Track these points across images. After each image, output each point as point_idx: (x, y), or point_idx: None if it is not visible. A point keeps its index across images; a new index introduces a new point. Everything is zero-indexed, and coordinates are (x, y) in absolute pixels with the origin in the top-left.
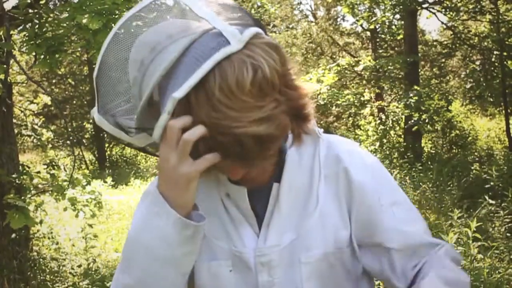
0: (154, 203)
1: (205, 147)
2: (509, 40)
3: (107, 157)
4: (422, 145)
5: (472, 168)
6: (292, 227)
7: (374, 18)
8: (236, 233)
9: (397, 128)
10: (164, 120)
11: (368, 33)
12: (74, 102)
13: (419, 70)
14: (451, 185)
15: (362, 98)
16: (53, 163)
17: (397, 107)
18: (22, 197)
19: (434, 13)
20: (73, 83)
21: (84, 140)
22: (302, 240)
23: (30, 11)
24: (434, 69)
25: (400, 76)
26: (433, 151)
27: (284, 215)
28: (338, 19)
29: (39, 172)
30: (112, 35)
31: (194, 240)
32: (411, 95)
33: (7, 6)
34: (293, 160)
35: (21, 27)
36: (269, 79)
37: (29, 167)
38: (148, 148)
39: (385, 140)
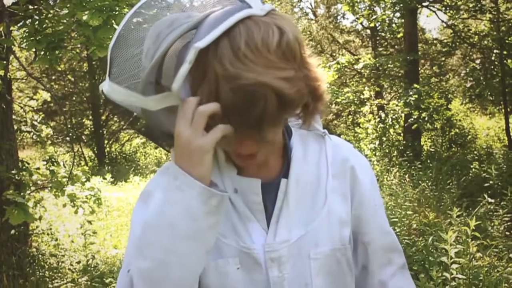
0: (175, 177)
1: (220, 119)
2: (509, 39)
3: (106, 154)
4: (422, 143)
5: (472, 166)
6: (300, 223)
7: (374, 16)
8: (244, 230)
9: (397, 126)
10: (185, 70)
11: (368, 31)
12: (74, 98)
13: (419, 69)
14: (451, 184)
15: (361, 96)
16: (53, 160)
17: (396, 105)
18: (22, 193)
19: (434, 12)
20: (72, 79)
21: (83, 137)
22: (311, 236)
23: (30, 7)
24: (434, 68)
25: (400, 74)
26: (433, 150)
27: (293, 211)
28: (338, 17)
29: (38, 168)
30: (133, 12)
31: (218, 211)
32: (411, 93)
33: (7, 2)
34: (298, 156)
35: (21, 23)
36: (292, 46)
37: (28, 163)
38: (159, 138)
39: (384, 138)
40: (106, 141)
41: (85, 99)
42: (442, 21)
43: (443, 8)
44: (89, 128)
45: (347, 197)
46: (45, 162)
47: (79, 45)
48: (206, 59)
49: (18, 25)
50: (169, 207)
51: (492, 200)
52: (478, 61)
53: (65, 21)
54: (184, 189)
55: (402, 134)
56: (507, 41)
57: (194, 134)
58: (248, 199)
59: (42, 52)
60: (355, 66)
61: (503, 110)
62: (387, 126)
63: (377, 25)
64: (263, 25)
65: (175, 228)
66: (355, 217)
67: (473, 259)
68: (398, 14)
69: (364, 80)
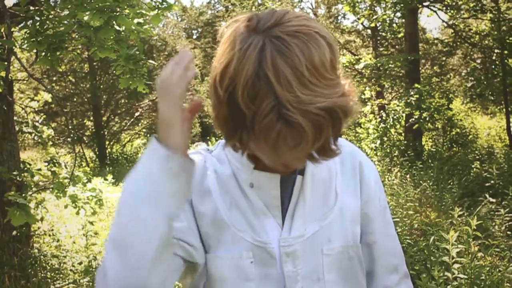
0: (148, 148)
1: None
2: (510, 38)
3: (107, 155)
4: (423, 143)
5: (473, 166)
6: (314, 219)
7: (375, 16)
8: (259, 224)
9: (398, 126)
10: None
11: (369, 31)
12: (75, 99)
13: (420, 68)
14: (452, 184)
15: (362, 96)
16: (54, 161)
17: (397, 105)
18: (23, 194)
19: (435, 11)
20: (74, 80)
21: (84, 138)
22: (324, 232)
23: (31, 8)
24: (434, 67)
25: (400, 74)
26: (434, 149)
27: (308, 207)
28: (339, 17)
29: (40, 169)
30: None
31: (179, 178)
32: (412, 93)
33: (8, 3)
34: None
35: (22, 24)
36: (337, 58)
37: (30, 164)
38: None
39: (385, 138)
40: (107, 142)
41: (86, 100)
42: (443, 21)
43: (444, 8)
44: (90, 129)
45: (357, 194)
46: (46, 163)
47: (80, 46)
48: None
49: (19, 26)
50: (134, 172)
51: (494, 200)
52: (479, 61)
53: (66, 22)
54: (149, 155)
55: (403, 134)
56: (508, 41)
57: (162, 105)
58: (265, 193)
59: (43, 53)
60: (356, 66)
61: (504, 110)
62: (388, 126)
63: (377, 25)
64: (313, 42)
65: (137, 191)
66: (363, 215)
67: (475, 259)
68: (398, 14)
69: (365, 80)
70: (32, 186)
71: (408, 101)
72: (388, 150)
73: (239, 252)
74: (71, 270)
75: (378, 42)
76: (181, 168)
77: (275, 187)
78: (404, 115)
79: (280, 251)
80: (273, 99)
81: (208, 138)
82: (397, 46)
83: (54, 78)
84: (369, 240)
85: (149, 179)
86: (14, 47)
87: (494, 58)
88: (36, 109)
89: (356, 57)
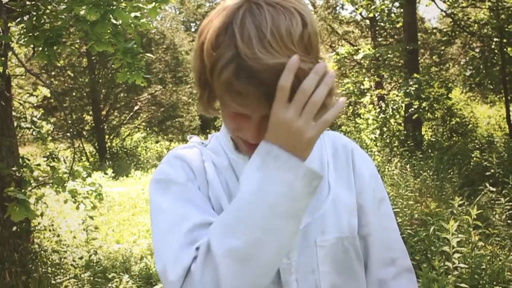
0: (276, 158)
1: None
2: (509, 27)
3: (107, 149)
4: (422, 133)
5: (473, 155)
6: (307, 211)
7: (373, 6)
8: None
9: (397, 116)
10: None
11: (368, 22)
12: (74, 94)
13: (419, 58)
14: (452, 173)
15: (361, 87)
16: (53, 156)
17: (397, 95)
18: (23, 190)
19: (433, 1)
20: (72, 75)
21: (84, 132)
22: (317, 223)
23: (28, 3)
24: (433, 57)
25: (399, 64)
26: (434, 139)
27: None
28: (337, 8)
29: (39, 164)
30: None
31: (316, 191)
32: (411, 83)
33: None
34: None
35: (18, 19)
36: (312, 41)
37: (29, 160)
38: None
39: (385, 129)
40: (107, 136)
41: (85, 94)
42: (442, 10)
43: None
44: (89, 124)
45: (351, 185)
46: (45, 159)
47: (77, 40)
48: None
49: (16, 21)
50: (268, 186)
51: (494, 189)
52: (478, 50)
53: (63, 16)
54: (287, 170)
55: (402, 124)
56: (506, 29)
57: (305, 125)
58: None
59: (41, 48)
60: (355, 57)
61: (503, 99)
62: (388, 117)
63: (376, 15)
64: (287, 13)
65: (274, 207)
66: (358, 207)
67: (475, 248)
68: (397, 4)
69: (364, 70)
70: (32, 181)
71: (408, 91)
72: (388, 141)
73: None
74: (71, 265)
75: (377, 32)
76: (319, 182)
77: None
78: (403, 105)
79: None
80: (234, 50)
81: (208, 131)
82: (395, 36)
83: (53, 73)
84: (364, 232)
85: (291, 196)
86: (11, 43)
87: (493, 46)
88: (35, 104)
89: (355, 47)
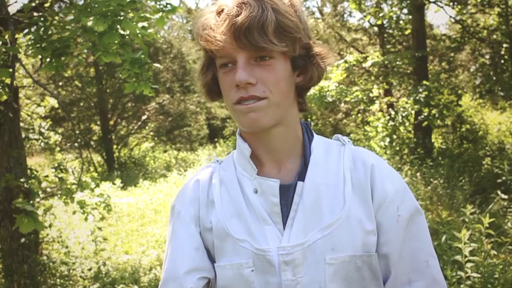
0: None
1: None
2: None
3: (115, 159)
4: (433, 140)
5: (484, 162)
6: (316, 226)
7: (381, 14)
8: (260, 232)
9: (407, 123)
10: None
11: (376, 29)
12: (81, 104)
13: (428, 65)
14: (463, 181)
15: (370, 94)
16: (61, 166)
17: (406, 103)
18: (31, 201)
19: (441, 7)
20: (80, 85)
21: (92, 142)
22: (327, 240)
23: (35, 14)
24: (443, 64)
25: (408, 71)
26: (444, 146)
27: (309, 214)
28: (345, 15)
29: (47, 175)
30: None
31: None
32: (420, 90)
33: (12, 10)
34: (317, 160)
35: (26, 31)
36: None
37: (37, 171)
38: None
39: (395, 136)
40: (114, 146)
41: (92, 104)
42: (450, 16)
43: (451, 3)
44: (97, 134)
45: (368, 202)
46: (54, 170)
47: (85, 51)
48: None
49: (24, 32)
50: None
51: (506, 196)
52: (487, 56)
53: (70, 27)
54: None
55: (412, 132)
56: None
57: None
58: (267, 200)
59: (48, 59)
60: (363, 65)
61: None
62: (397, 124)
63: (384, 22)
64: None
65: None
66: (377, 224)
67: (488, 257)
68: (405, 11)
69: (372, 78)
70: (40, 192)
71: (417, 98)
72: (398, 148)
73: (239, 261)
74: (80, 276)
75: (385, 39)
76: None
77: (274, 194)
78: (413, 112)
79: (279, 259)
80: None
81: (216, 140)
82: (404, 43)
83: (60, 83)
84: (383, 251)
85: None
86: (18, 54)
87: (502, 53)
88: (43, 115)
89: (363, 55)
